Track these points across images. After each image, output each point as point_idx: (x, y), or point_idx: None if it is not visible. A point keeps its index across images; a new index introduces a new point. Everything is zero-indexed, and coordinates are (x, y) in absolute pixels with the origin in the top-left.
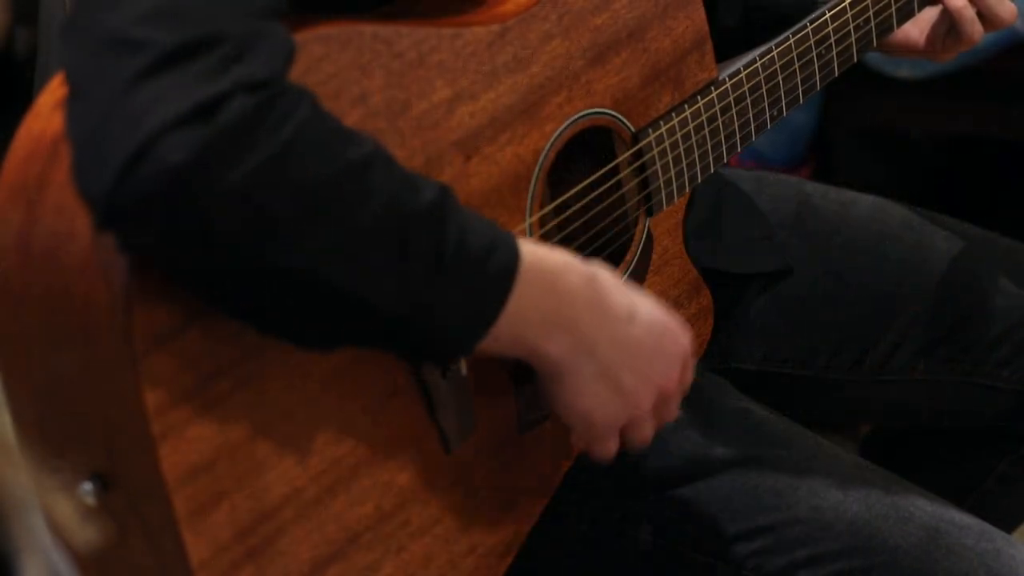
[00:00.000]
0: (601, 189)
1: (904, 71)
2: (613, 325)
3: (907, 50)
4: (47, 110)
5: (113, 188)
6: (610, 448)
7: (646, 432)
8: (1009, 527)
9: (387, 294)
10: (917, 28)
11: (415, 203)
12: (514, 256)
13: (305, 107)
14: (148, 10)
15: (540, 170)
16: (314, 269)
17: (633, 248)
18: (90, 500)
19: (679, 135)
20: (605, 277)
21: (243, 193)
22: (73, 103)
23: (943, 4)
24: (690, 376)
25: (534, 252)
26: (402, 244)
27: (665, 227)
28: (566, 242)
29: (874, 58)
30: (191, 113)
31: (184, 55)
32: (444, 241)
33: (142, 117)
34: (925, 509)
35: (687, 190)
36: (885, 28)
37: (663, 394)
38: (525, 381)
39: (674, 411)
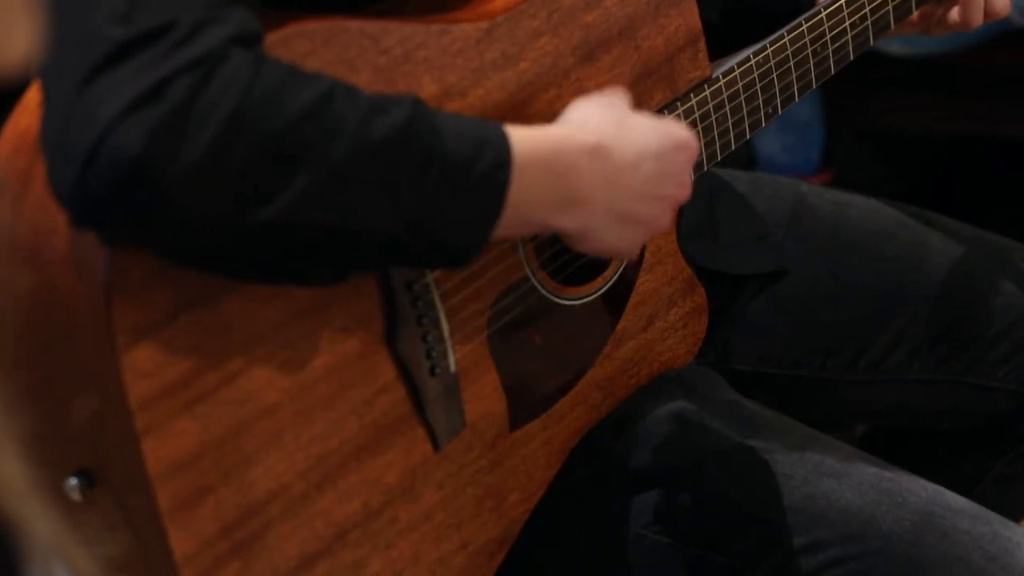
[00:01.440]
0: None
1: (896, 48)
2: (623, 180)
3: (900, 24)
4: (33, 105)
5: (78, 187)
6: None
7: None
8: None
9: (381, 221)
10: None
11: (386, 127)
12: (503, 151)
13: (247, 68)
14: (110, 9)
15: None
16: (303, 217)
17: None
18: (76, 496)
19: None
20: (608, 137)
21: (204, 166)
22: (43, 106)
23: None
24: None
25: (529, 138)
26: (384, 170)
27: None
28: (558, 239)
29: None
30: (138, 100)
31: (135, 47)
32: (425, 156)
33: (94, 112)
34: (919, 494)
35: None
36: (882, 26)
37: (681, 200)
38: (516, 381)
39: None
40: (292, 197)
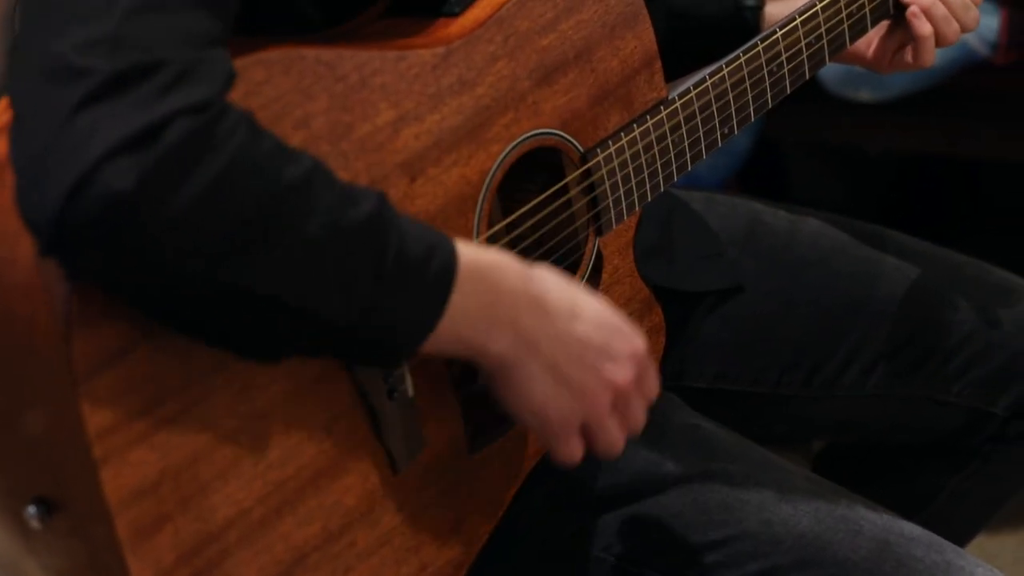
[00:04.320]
0: (550, 208)
1: (864, 95)
2: (554, 322)
3: (853, 60)
4: None
5: (58, 214)
6: (573, 449)
7: (612, 435)
8: (962, 541)
9: (333, 304)
10: (864, 40)
11: (355, 216)
12: (451, 258)
13: (243, 128)
14: (89, 38)
15: (487, 191)
16: (260, 284)
17: (583, 267)
18: (35, 524)
19: (628, 155)
20: (544, 276)
21: (187, 216)
22: (16, 130)
23: (911, 29)
24: (654, 383)
25: (472, 252)
26: (345, 256)
27: (615, 246)
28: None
29: (834, 82)
30: (133, 139)
31: (125, 82)
32: (384, 250)
33: (85, 143)
34: (875, 522)
35: (637, 209)
36: (838, 45)
37: (619, 393)
38: (474, 404)
39: (640, 415)
40: (260, 265)
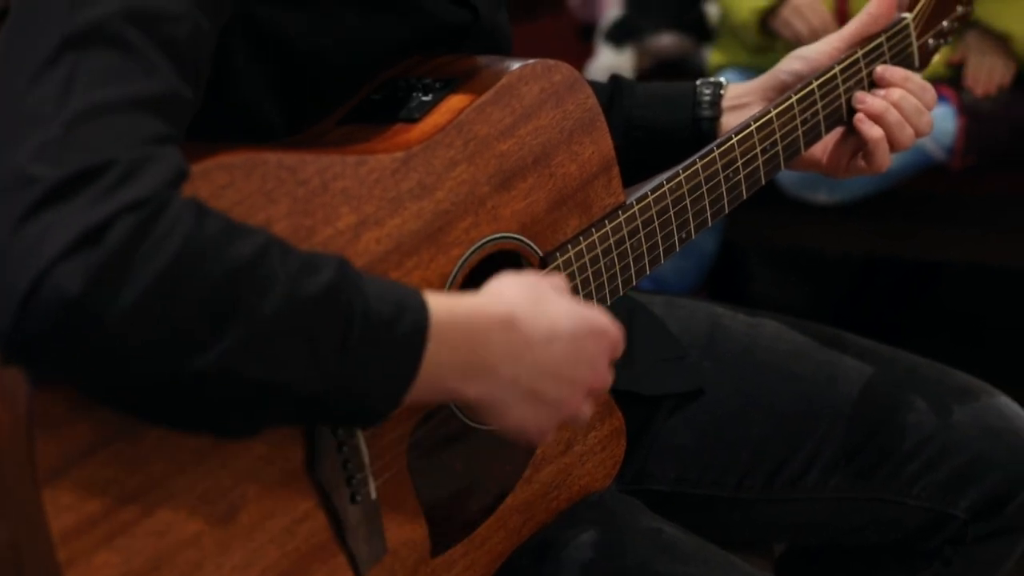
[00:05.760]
0: None
1: (822, 196)
2: (532, 354)
3: (809, 166)
4: None
5: (14, 325)
6: (548, 440)
7: (583, 419)
8: None
9: (302, 377)
10: (820, 146)
11: (314, 285)
12: (423, 315)
13: (188, 215)
14: (38, 145)
15: None
16: (227, 367)
17: None
18: None
19: (587, 259)
20: (522, 310)
21: (142, 311)
22: None
23: (861, 135)
24: (622, 346)
25: (445, 304)
26: (309, 327)
27: None
28: None
29: (792, 185)
30: (78, 241)
31: (71, 187)
32: (349, 316)
33: (33, 251)
34: None
35: None
36: (793, 151)
37: (595, 388)
38: (436, 507)
39: (610, 379)
40: (222, 349)
